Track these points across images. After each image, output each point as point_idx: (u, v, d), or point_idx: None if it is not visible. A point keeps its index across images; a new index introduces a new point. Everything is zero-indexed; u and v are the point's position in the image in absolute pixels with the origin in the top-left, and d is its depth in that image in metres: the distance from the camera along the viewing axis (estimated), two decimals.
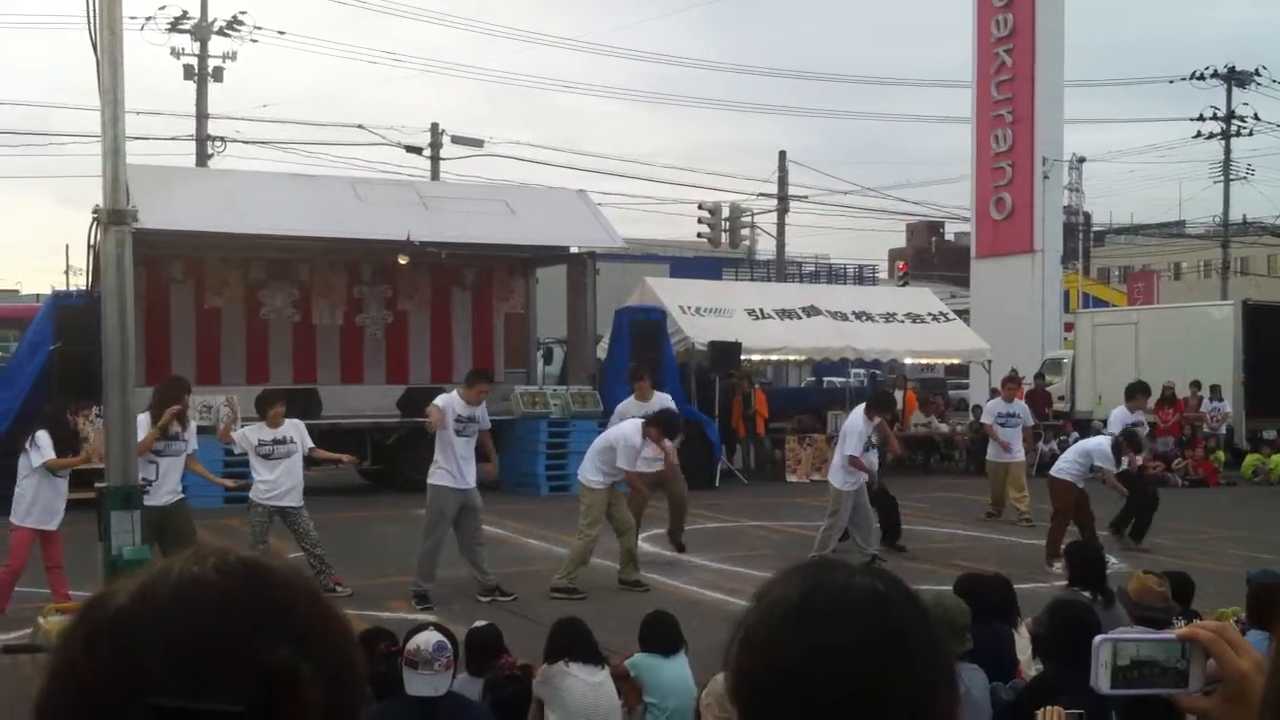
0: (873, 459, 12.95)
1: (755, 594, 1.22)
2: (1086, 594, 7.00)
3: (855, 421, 12.51)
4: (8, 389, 16.38)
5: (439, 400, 10.97)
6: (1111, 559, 12.82)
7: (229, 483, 11.19)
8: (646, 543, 13.17)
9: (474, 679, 6.04)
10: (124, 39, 5.23)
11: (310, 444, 10.77)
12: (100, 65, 4.87)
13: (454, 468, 10.66)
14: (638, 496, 12.06)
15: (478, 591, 10.72)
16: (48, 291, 28.09)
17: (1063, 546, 10.65)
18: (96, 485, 5.93)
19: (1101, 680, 1.37)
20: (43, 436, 10.00)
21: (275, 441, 10.43)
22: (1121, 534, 13.88)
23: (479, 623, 6.72)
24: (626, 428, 11.82)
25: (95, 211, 5.58)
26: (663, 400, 13.31)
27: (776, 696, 1.13)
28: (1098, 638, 1.39)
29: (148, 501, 7.55)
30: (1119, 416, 15.17)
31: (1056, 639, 5.34)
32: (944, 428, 24.48)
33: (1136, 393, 15.35)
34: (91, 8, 4.94)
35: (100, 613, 0.92)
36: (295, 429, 10.62)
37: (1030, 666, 6.35)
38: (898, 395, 24.58)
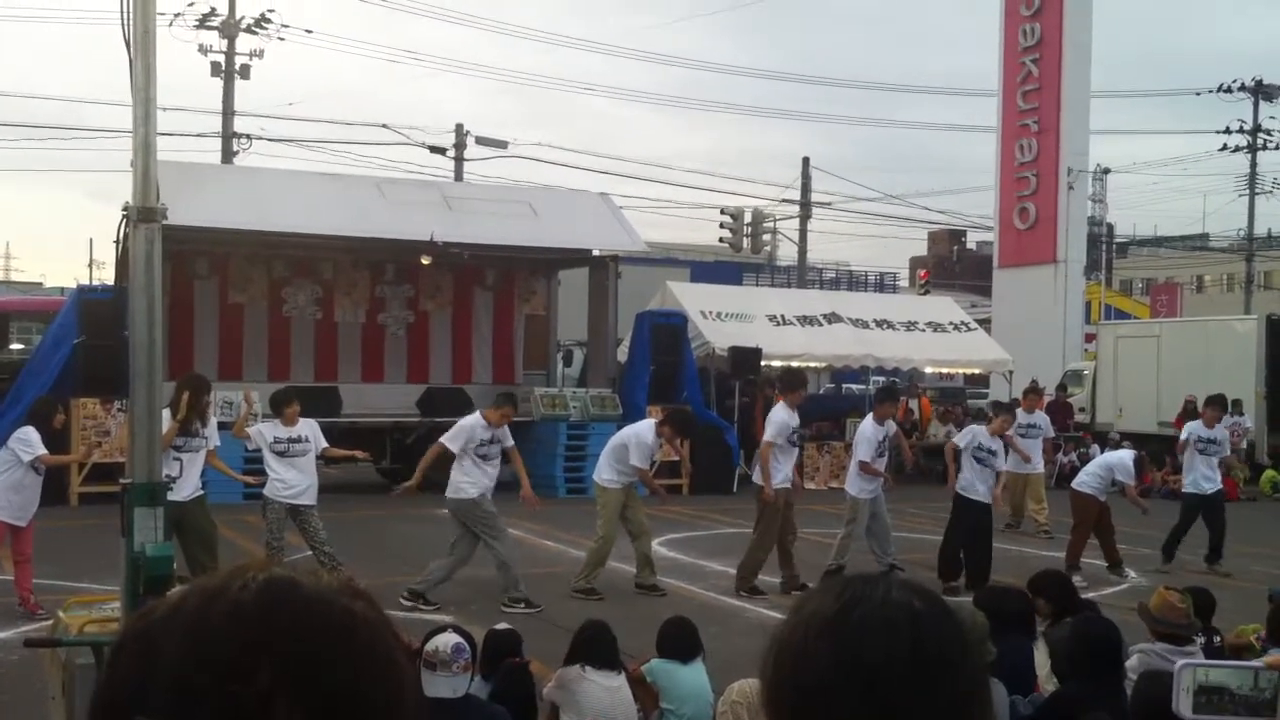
0: (995, 464, 12.70)
1: (793, 606, 1.22)
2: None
3: (865, 428, 12.53)
4: (34, 380, 16.55)
5: (465, 425, 10.73)
6: (1130, 573, 12.80)
7: (249, 479, 11.20)
8: (663, 547, 13.18)
9: (486, 682, 5.99)
10: (157, 37, 5.25)
11: (324, 443, 10.78)
12: (133, 63, 4.89)
13: (483, 479, 10.57)
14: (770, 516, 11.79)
15: (504, 600, 10.38)
16: (72, 285, 28.23)
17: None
18: (121, 481, 5.93)
19: (1183, 705, 1.38)
20: (32, 433, 10.02)
21: (290, 440, 10.42)
22: (1171, 557, 13.39)
23: (500, 625, 6.73)
24: (640, 425, 11.79)
25: (125, 208, 5.58)
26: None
27: (810, 711, 1.13)
28: (1180, 662, 1.40)
29: (170, 498, 7.54)
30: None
31: (1078, 655, 5.32)
32: None
33: (1207, 405, 14.06)
34: (126, 6, 4.95)
35: (135, 625, 0.93)
36: (310, 428, 10.60)
37: (1049, 681, 6.32)
38: (913, 405, 24.55)
